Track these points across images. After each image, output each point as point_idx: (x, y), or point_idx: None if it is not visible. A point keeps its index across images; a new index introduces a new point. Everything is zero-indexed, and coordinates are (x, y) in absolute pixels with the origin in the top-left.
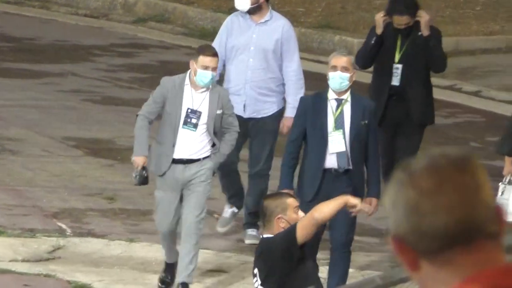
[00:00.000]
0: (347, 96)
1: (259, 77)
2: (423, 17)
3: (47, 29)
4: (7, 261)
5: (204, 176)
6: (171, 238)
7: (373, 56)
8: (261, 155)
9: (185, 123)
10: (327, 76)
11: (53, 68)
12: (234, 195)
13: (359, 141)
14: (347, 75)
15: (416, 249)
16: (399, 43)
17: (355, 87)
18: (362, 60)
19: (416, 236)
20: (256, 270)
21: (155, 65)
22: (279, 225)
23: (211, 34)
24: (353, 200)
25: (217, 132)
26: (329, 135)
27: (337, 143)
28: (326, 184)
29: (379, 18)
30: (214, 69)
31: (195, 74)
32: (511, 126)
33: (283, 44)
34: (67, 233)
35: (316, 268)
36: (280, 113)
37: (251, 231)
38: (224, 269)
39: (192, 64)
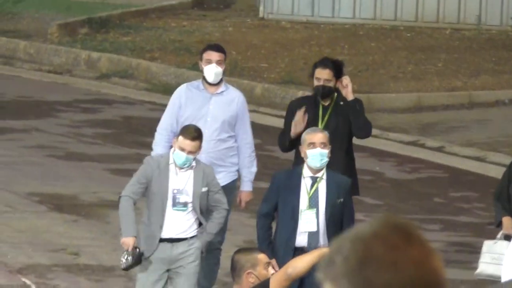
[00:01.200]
0: (322, 173)
1: (214, 147)
2: (348, 82)
3: (11, 85)
4: None
5: (193, 256)
6: None
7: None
8: None
9: (174, 204)
10: (304, 155)
11: (17, 124)
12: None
13: (334, 219)
14: (326, 151)
15: None
16: (320, 113)
17: None
18: (283, 148)
19: None
20: None
21: (118, 120)
22: (248, 280)
23: (174, 89)
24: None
25: (203, 210)
26: (301, 213)
27: (308, 222)
28: None
29: (299, 118)
30: (190, 152)
31: (173, 152)
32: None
33: (238, 115)
34: None
35: None
36: (233, 185)
37: None
38: None
39: (174, 143)
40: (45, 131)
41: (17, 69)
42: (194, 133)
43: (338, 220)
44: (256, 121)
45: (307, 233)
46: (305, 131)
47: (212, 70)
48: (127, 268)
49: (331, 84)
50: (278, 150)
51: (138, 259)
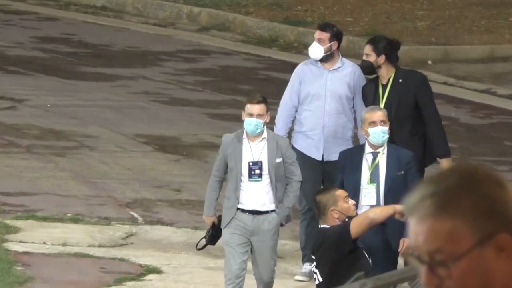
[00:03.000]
0: (383, 148)
1: (334, 122)
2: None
3: (120, 36)
4: (86, 246)
5: (272, 231)
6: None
7: None
8: None
9: (250, 175)
10: (365, 133)
11: (125, 72)
12: None
13: (394, 192)
14: (386, 128)
15: None
16: (380, 91)
17: None
18: None
19: None
20: (313, 257)
21: (216, 69)
22: (333, 216)
23: (267, 41)
24: (400, 208)
25: (278, 180)
26: (362, 188)
27: (369, 197)
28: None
29: None
30: (259, 115)
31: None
32: None
33: (356, 88)
34: (139, 221)
35: (368, 262)
36: None
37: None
38: (279, 255)
39: (242, 115)
40: (151, 79)
41: (125, 22)
42: (259, 98)
43: (398, 193)
44: None
45: (368, 207)
46: (365, 110)
47: (313, 49)
48: (210, 243)
49: (370, 58)
50: None
51: (218, 233)
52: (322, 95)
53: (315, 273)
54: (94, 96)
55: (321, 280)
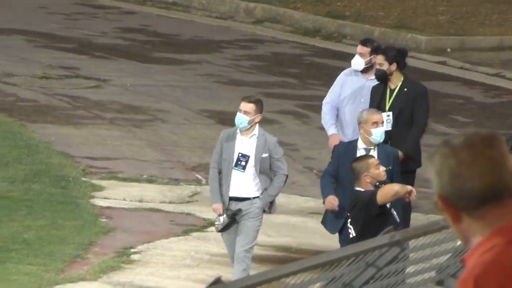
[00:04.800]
0: (374, 145)
1: None
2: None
3: (187, 27)
4: (158, 202)
5: (253, 213)
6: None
7: None
8: None
9: (236, 165)
10: (366, 132)
11: (192, 57)
12: None
13: (383, 185)
14: (384, 129)
15: (458, 206)
16: (388, 95)
17: None
18: None
19: (457, 197)
20: (348, 214)
21: (268, 55)
22: (366, 181)
23: (311, 32)
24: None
25: (262, 173)
26: None
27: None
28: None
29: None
30: (245, 112)
31: None
32: None
33: None
34: (202, 182)
35: (396, 221)
36: None
37: None
38: (320, 210)
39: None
40: (213, 63)
41: (192, 15)
42: (251, 98)
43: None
44: None
45: None
46: (365, 111)
47: (355, 61)
48: (222, 230)
49: (383, 67)
50: None
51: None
52: (357, 100)
53: (350, 228)
54: (166, 77)
55: (354, 235)
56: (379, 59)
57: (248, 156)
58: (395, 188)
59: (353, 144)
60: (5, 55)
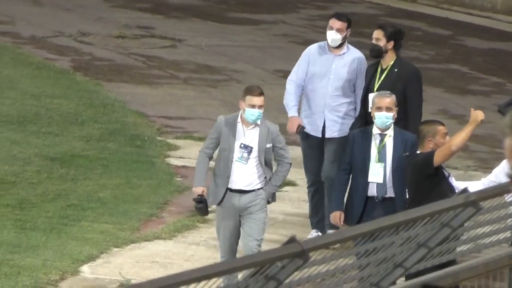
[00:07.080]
0: (390, 130)
1: (335, 102)
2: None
3: None
4: None
5: (259, 205)
6: (233, 255)
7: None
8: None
9: (239, 158)
10: (373, 116)
11: (267, 17)
12: (321, 220)
13: (400, 172)
14: (391, 114)
15: None
16: (378, 74)
17: None
18: None
19: None
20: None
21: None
22: (428, 146)
23: None
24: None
25: (268, 163)
26: (371, 166)
27: (376, 174)
28: (368, 211)
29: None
30: (260, 106)
31: (244, 112)
32: None
33: (358, 74)
34: None
35: (450, 185)
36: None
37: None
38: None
39: (241, 104)
40: (288, 23)
41: None
42: (259, 90)
43: (403, 173)
44: None
45: (375, 184)
46: (375, 94)
47: (330, 36)
48: (203, 214)
49: (380, 43)
50: None
51: (201, 210)
52: (326, 76)
53: (407, 190)
54: (241, 38)
55: (407, 196)
56: (377, 33)
57: (251, 147)
58: (452, 147)
59: (368, 131)
60: (81, 15)
